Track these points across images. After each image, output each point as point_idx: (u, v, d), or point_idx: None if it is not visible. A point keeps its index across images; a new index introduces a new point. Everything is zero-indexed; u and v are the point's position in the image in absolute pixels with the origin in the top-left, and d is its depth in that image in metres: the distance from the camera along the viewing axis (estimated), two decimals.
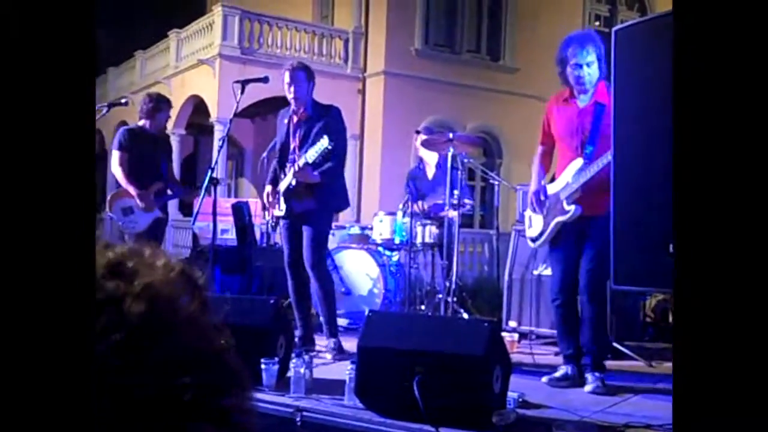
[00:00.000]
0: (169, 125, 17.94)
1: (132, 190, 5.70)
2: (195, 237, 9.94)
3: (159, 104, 5.88)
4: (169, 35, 18.07)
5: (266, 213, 5.21)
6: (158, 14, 21.97)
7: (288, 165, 5.01)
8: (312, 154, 4.71)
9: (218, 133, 15.35)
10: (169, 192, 5.97)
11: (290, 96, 4.98)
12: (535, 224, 4.34)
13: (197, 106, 17.10)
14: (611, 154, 3.66)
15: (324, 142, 4.65)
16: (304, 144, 4.92)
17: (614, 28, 3.76)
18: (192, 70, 16.81)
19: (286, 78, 4.95)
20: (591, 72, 4.07)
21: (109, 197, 5.84)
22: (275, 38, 15.91)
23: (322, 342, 5.08)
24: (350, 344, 4.62)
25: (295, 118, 5.06)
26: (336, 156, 4.88)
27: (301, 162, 4.82)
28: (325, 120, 4.93)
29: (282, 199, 5.03)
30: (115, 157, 5.74)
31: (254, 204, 8.72)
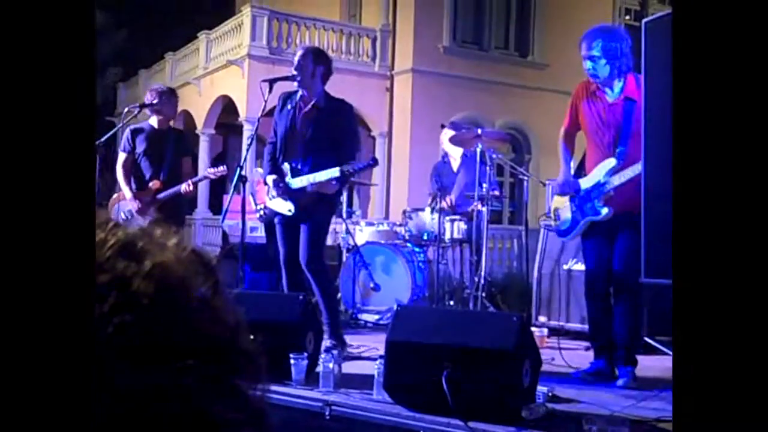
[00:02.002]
0: (199, 125, 18.16)
1: (127, 192, 5.56)
2: (225, 235, 10.01)
3: (162, 97, 5.67)
4: (199, 37, 18.26)
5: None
6: (188, 16, 22.18)
7: (299, 162, 4.71)
8: (321, 177, 4.56)
9: (247, 132, 15.44)
10: (168, 190, 5.59)
11: (293, 72, 4.70)
12: (563, 218, 4.31)
13: (226, 106, 17.24)
14: (642, 147, 3.63)
15: (334, 173, 4.50)
16: (312, 146, 4.66)
17: (644, 20, 3.72)
18: (221, 71, 16.94)
19: (297, 54, 4.78)
20: (597, 66, 4.05)
21: (110, 202, 5.74)
22: (303, 38, 15.95)
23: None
24: (379, 340, 4.62)
25: (303, 106, 4.75)
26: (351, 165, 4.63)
27: (316, 178, 4.60)
28: (337, 120, 4.68)
29: (287, 196, 4.72)
30: (119, 159, 5.66)
31: None
